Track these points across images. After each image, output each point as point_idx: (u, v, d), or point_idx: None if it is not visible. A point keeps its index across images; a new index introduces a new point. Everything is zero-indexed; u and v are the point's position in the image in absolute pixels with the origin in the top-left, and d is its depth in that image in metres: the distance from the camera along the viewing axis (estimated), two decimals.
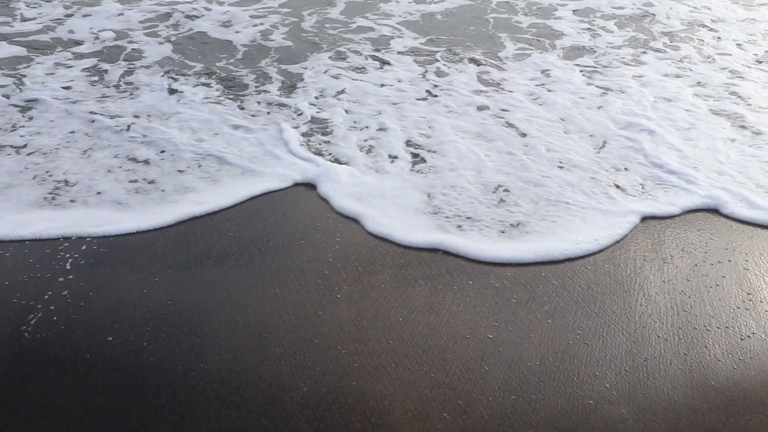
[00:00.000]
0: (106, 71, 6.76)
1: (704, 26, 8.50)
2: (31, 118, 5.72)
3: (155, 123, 5.71)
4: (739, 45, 7.87)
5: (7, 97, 6.08)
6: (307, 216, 4.49)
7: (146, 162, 5.11)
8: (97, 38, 7.72)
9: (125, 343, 3.38)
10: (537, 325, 3.56)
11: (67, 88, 6.33)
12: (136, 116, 5.82)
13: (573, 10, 8.93)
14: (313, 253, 4.09)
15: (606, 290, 3.84)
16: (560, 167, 5.13)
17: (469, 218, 4.48)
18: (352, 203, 4.61)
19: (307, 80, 6.65)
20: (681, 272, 4.01)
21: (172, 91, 6.29)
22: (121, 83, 6.49)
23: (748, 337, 3.53)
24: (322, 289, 3.78)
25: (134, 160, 5.12)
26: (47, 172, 4.93)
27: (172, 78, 6.60)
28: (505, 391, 3.14)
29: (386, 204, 4.62)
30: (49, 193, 4.67)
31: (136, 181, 4.86)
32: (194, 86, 6.46)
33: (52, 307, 3.61)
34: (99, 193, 4.69)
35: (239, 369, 3.23)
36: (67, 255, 4.03)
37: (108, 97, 6.17)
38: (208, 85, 6.50)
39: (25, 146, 5.28)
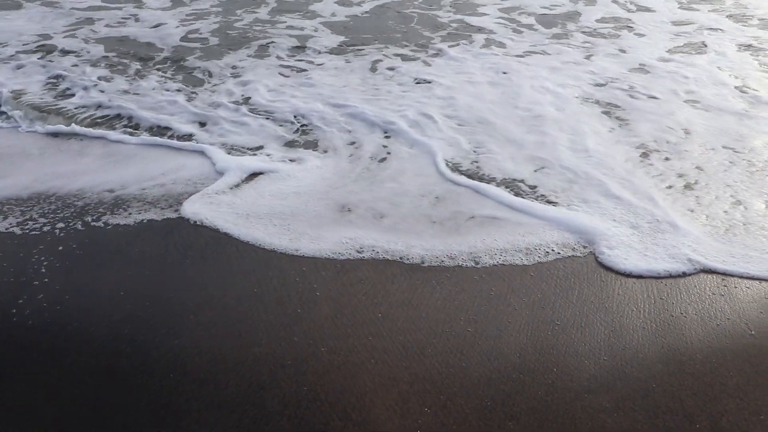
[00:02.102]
0: None
1: (628, 27, 8.75)
2: None
3: None
4: (651, 43, 8.13)
5: None
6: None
7: None
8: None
9: (103, 346, 3.35)
10: (516, 318, 3.57)
11: None
12: None
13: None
14: (290, 250, 4.08)
15: (584, 281, 3.86)
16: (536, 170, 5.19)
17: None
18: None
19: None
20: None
21: None
22: None
23: (724, 323, 3.57)
24: (300, 287, 3.77)
25: None
26: None
27: None
28: (485, 384, 3.15)
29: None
30: None
31: None
32: None
33: (27, 311, 3.57)
34: None
35: (219, 369, 3.21)
36: (42, 258, 3.99)
37: None
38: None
39: None
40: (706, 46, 8.00)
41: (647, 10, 9.49)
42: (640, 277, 3.90)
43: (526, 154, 5.34)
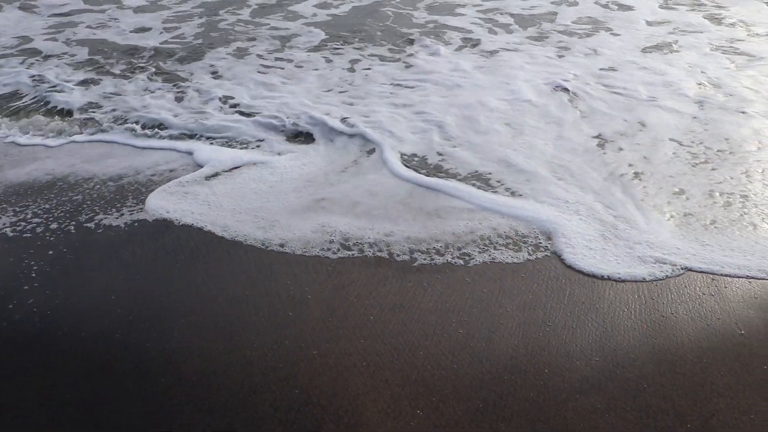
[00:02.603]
0: None
1: (606, 27, 8.87)
2: None
3: None
4: (624, 42, 8.22)
5: None
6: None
7: None
8: None
9: (94, 349, 3.34)
10: (507, 319, 3.57)
11: None
12: None
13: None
14: (282, 254, 4.08)
15: (575, 282, 3.87)
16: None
17: None
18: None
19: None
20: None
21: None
22: None
23: (714, 323, 3.58)
24: (292, 290, 3.76)
25: None
26: None
27: None
28: (477, 386, 3.15)
29: None
30: None
31: None
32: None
33: (17, 316, 3.55)
34: None
35: (210, 372, 3.20)
36: (32, 263, 3.97)
37: None
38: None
39: None
40: (677, 45, 8.12)
41: (629, 9, 9.61)
42: (601, 278, 3.92)
43: (491, 150, 5.46)
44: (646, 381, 3.20)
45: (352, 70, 7.35)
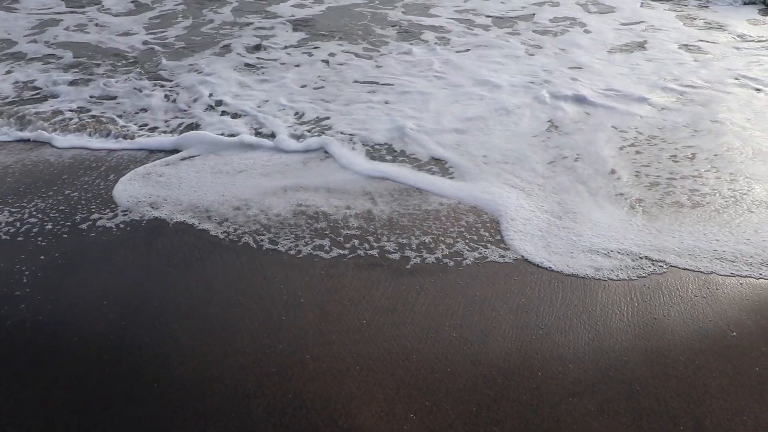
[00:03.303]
0: None
1: (580, 24, 9.10)
2: None
3: None
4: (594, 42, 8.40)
5: None
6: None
7: None
8: None
9: (87, 355, 3.33)
10: (500, 322, 3.58)
11: None
12: None
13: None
14: (275, 258, 4.08)
15: (567, 285, 3.88)
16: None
17: None
18: None
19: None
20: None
21: None
22: None
23: (707, 325, 3.60)
24: (285, 294, 3.76)
25: None
26: None
27: None
28: (471, 389, 3.15)
29: None
30: None
31: None
32: None
33: (9, 322, 3.54)
34: None
35: (204, 378, 3.20)
36: (24, 268, 3.96)
37: None
38: None
39: None
40: (646, 44, 8.34)
41: (609, 10, 9.79)
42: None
43: (450, 138, 5.76)
44: (639, 383, 3.21)
45: (328, 67, 7.58)
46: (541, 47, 8.21)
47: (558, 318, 3.61)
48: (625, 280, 3.91)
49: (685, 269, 4.02)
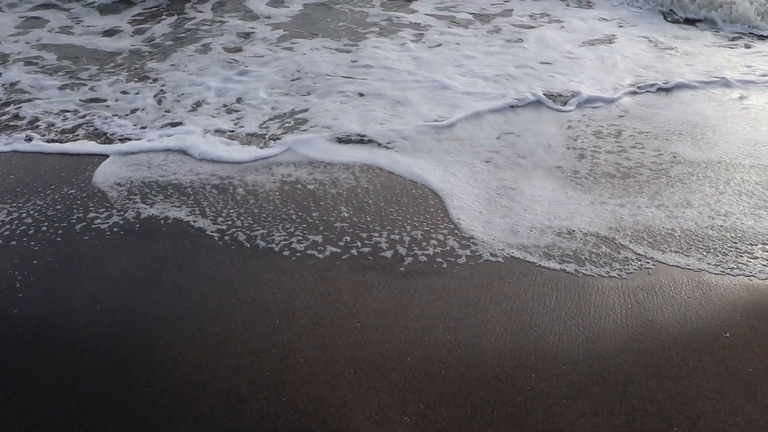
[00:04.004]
0: None
1: (557, 20, 9.22)
2: None
3: None
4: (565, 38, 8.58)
5: None
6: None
7: None
8: None
9: (79, 360, 3.32)
10: (494, 325, 3.58)
11: None
12: None
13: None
14: (268, 262, 4.07)
15: (561, 287, 3.88)
16: None
17: None
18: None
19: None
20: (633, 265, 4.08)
21: None
22: None
23: (701, 327, 3.60)
24: (278, 298, 3.76)
25: None
26: None
27: None
28: (465, 392, 3.15)
29: None
30: None
31: None
32: None
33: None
34: None
35: (197, 382, 3.19)
36: (16, 273, 3.94)
37: None
38: None
39: None
40: (614, 39, 8.53)
41: (589, 6, 9.95)
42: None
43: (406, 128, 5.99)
44: (633, 384, 3.22)
45: (306, 60, 7.71)
46: (517, 41, 8.37)
47: (551, 320, 3.62)
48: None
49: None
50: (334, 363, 3.31)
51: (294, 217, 4.50)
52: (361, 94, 6.70)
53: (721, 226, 4.47)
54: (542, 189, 4.92)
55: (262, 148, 5.56)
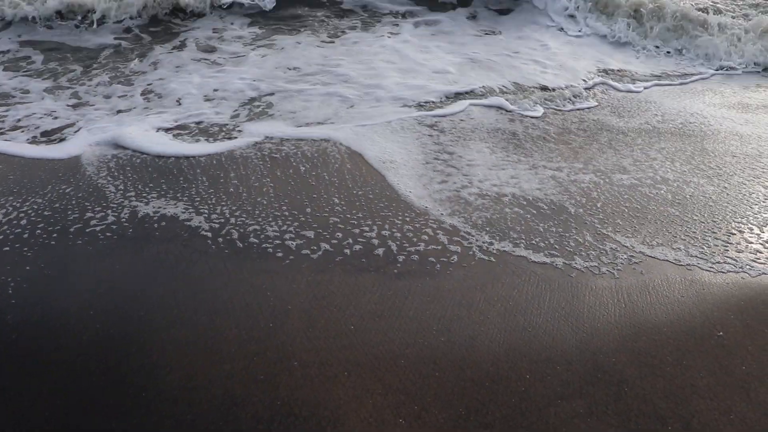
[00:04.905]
0: None
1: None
2: None
3: None
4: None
5: None
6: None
7: None
8: None
9: (72, 365, 3.30)
10: (488, 326, 3.58)
11: None
12: None
13: None
14: (262, 265, 4.07)
15: (554, 287, 3.89)
16: None
17: None
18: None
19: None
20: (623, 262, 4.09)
21: None
22: None
23: (694, 326, 3.61)
24: (272, 301, 3.75)
25: None
26: None
27: None
28: (459, 393, 3.16)
29: None
30: None
31: None
32: None
33: None
34: None
35: (191, 386, 3.18)
36: (9, 279, 3.93)
37: None
38: None
39: None
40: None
41: None
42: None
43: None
44: (627, 384, 3.23)
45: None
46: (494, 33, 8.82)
47: (545, 321, 3.62)
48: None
49: None
50: (328, 366, 3.30)
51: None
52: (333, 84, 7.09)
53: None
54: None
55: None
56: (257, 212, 4.57)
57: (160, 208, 4.61)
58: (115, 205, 4.63)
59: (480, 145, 5.76)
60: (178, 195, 4.78)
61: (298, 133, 5.80)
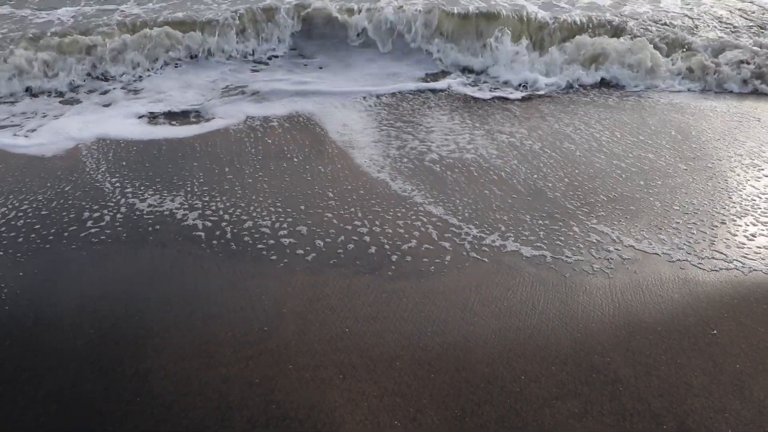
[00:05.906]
0: None
1: None
2: None
3: None
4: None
5: None
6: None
7: None
8: None
9: (66, 371, 3.29)
10: (484, 328, 3.59)
11: None
12: None
13: None
14: (256, 268, 4.06)
15: (549, 289, 3.90)
16: None
17: None
18: None
19: None
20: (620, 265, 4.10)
21: None
22: None
23: (688, 324, 3.62)
24: (266, 305, 3.75)
25: None
26: None
27: None
28: (455, 395, 3.15)
29: None
30: None
31: None
32: None
33: None
34: None
35: (186, 391, 3.17)
36: (3, 284, 3.92)
37: None
38: None
39: None
40: None
41: None
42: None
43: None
44: (622, 384, 3.23)
45: None
46: None
47: (540, 322, 3.62)
48: None
49: None
50: (323, 369, 3.30)
51: None
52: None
53: None
54: None
55: None
56: None
57: None
58: None
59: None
60: None
61: None
